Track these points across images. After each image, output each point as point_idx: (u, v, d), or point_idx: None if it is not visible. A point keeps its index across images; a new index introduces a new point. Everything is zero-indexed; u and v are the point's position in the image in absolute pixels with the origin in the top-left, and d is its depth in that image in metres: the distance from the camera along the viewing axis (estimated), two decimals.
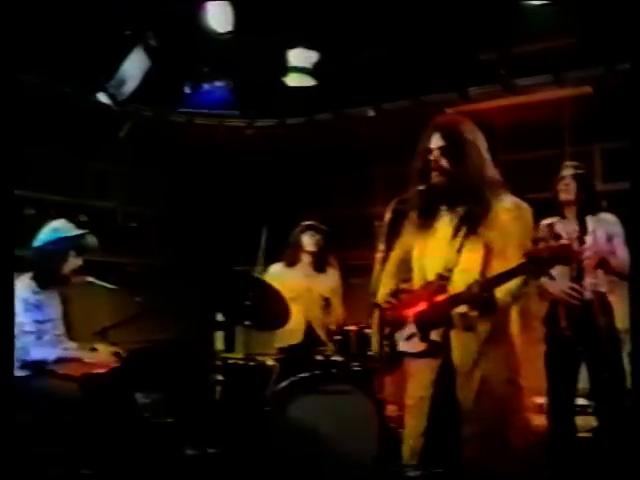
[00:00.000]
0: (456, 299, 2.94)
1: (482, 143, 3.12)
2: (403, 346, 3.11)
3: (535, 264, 2.77)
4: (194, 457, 4.31)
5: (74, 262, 4.33)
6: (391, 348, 3.14)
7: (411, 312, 3.07)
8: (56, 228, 4.32)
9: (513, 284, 2.88)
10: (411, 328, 3.06)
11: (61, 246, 4.28)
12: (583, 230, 4.20)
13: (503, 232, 2.95)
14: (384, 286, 3.24)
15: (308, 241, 5.00)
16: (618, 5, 4.79)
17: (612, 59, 5.50)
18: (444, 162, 3.05)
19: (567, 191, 4.27)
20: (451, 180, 3.05)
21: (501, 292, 2.90)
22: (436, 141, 3.09)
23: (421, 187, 3.12)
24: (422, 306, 3.03)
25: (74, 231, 4.36)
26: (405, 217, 3.26)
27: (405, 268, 3.26)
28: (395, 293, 3.20)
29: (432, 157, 3.07)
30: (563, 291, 4.14)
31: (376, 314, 3.15)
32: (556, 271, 4.18)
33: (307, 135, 7.11)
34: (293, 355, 4.63)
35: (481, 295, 2.87)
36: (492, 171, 3.10)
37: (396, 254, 3.32)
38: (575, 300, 4.10)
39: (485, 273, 2.93)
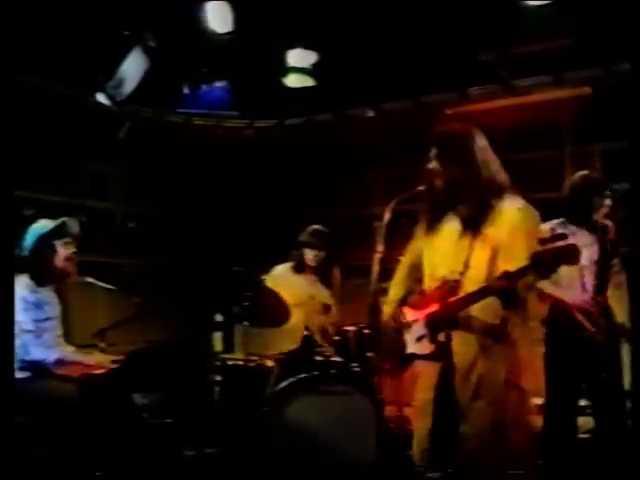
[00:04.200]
0: (475, 295, 2.95)
1: (479, 146, 3.16)
2: (413, 348, 3.13)
3: (540, 264, 2.79)
4: (193, 458, 4.31)
5: (64, 251, 4.34)
6: (401, 350, 3.16)
7: (422, 314, 3.10)
8: (34, 229, 4.35)
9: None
10: (421, 330, 3.08)
11: (44, 242, 4.30)
12: (600, 236, 4.20)
13: (510, 233, 2.97)
14: (393, 290, 3.31)
15: (309, 257, 5.02)
16: (616, 5, 4.79)
17: (611, 59, 5.51)
18: (439, 168, 3.16)
19: (597, 202, 4.25)
20: (448, 184, 3.13)
21: (520, 285, 2.92)
22: (432, 152, 3.22)
23: (420, 189, 3.18)
24: (433, 307, 3.06)
25: (52, 223, 4.38)
26: (405, 217, 3.28)
27: (415, 274, 3.33)
28: (404, 299, 3.26)
29: (431, 166, 3.19)
30: (585, 301, 4.14)
31: (382, 317, 3.20)
32: (566, 279, 4.22)
33: (306, 136, 7.10)
34: (292, 356, 4.63)
35: (508, 286, 2.88)
36: (493, 172, 3.13)
37: (407, 260, 3.40)
38: (588, 327, 4.10)
39: (492, 273, 2.95)
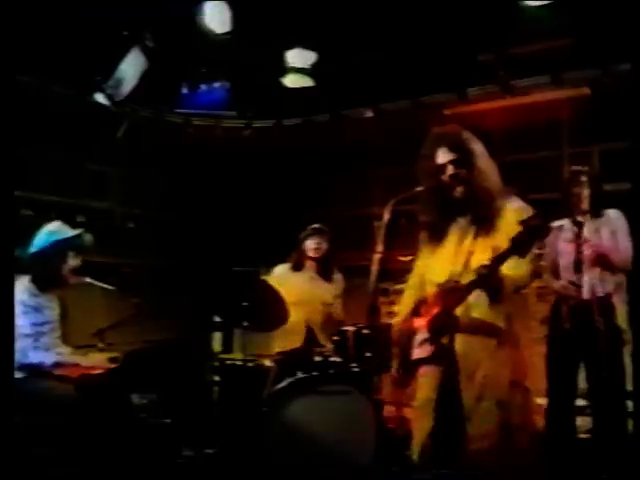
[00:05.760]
0: (468, 287, 2.94)
1: (484, 149, 3.15)
2: (417, 353, 3.13)
3: (518, 246, 2.81)
4: (191, 458, 4.30)
5: (73, 262, 4.33)
6: (405, 360, 3.17)
7: (424, 320, 3.09)
8: (52, 231, 4.30)
9: (516, 274, 2.93)
10: (423, 334, 3.08)
11: (60, 249, 4.27)
12: (582, 228, 4.20)
13: (510, 234, 2.96)
14: (404, 304, 3.30)
15: (311, 247, 5.00)
16: (615, 6, 4.79)
17: (610, 60, 5.51)
18: (463, 173, 3.09)
19: (578, 191, 4.26)
20: (470, 189, 3.09)
21: (508, 280, 2.93)
22: (445, 156, 3.11)
23: (419, 189, 3.16)
24: (433, 311, 3.05)
25: (70, 232, 4.35)
26: (404, 217, 3.28)
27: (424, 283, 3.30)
28: (414, 311, 3.27)
29: (449, 172, 3.10)
30: (562, 285, 4.23)
31: (395, 332, 3.20)
32: (562, 270, 4.24)
33: (305, 136, 7.10)
34: (291, 356, 4.62)
35: (488, 274, 2.88)
36: (498, 176, 3.14)
37: (418, 271, 3.35)
38: (572, 293, 4.13)
39: None
